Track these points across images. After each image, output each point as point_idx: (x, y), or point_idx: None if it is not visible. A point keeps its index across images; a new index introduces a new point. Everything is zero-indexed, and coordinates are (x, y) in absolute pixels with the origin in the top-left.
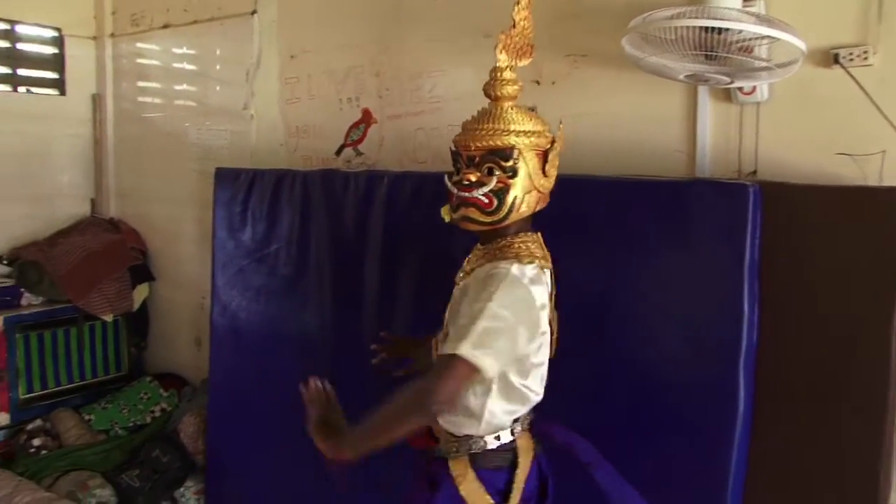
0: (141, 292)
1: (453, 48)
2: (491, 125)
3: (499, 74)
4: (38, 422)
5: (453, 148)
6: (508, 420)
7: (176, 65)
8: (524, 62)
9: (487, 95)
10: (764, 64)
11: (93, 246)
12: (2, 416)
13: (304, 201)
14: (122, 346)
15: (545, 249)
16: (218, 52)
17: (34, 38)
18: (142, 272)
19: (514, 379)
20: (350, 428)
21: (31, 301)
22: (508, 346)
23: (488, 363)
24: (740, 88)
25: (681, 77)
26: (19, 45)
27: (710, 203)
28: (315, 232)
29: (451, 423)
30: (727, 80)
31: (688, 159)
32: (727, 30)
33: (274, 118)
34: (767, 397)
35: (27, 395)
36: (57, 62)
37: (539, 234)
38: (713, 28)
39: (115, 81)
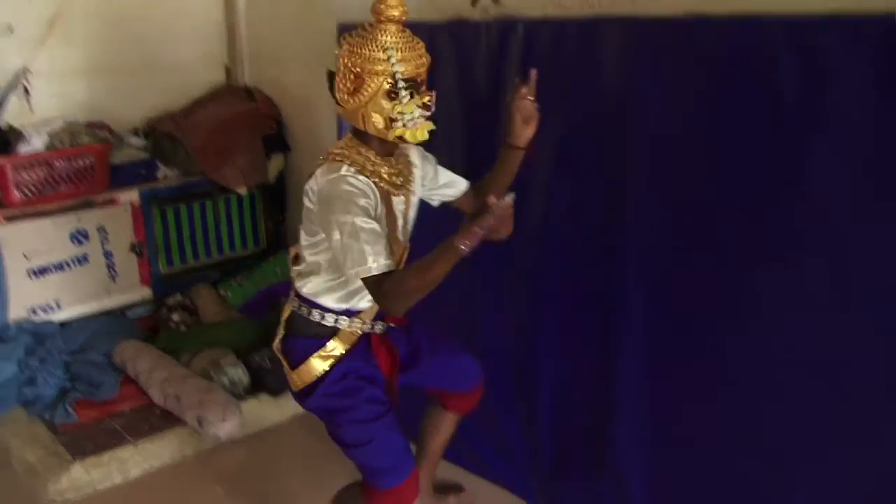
0: (276, 164)
1: None
2: (422, 49)
3: None
4: (178, 297)
5: (403, 76)
6: None
7: None
8: None
9: (393, 20)
10: None
11: (225, 116)
12: (144, 290)
13: (433, 59)
14: (260, 220)
15: None
16: None
17: None
18: (276, 142)
19: None
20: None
21: (166, 174)
22: None
23: None
24: None
25: None
26: None
27: None
28: (443, 92)
29: None
30: None
31: None
32: None
33: None
34: None
35: (168, 271)
36: None
37: None
38: None
39: None
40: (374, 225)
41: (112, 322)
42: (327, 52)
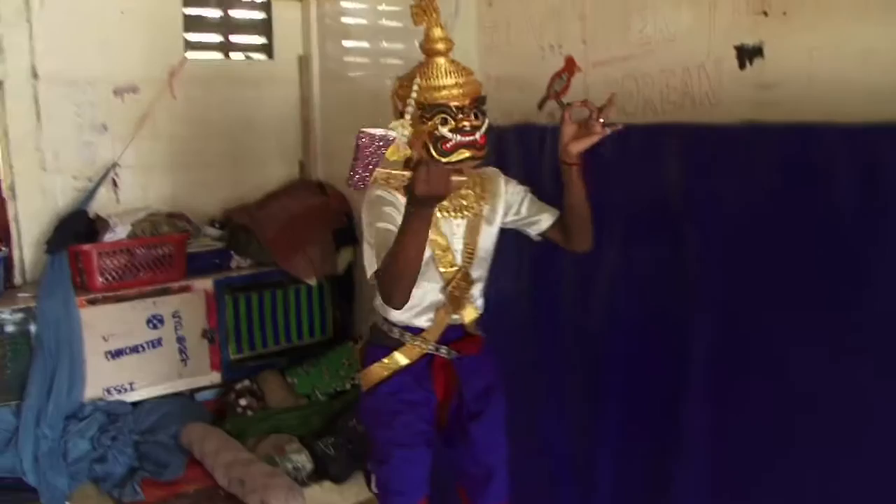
0: (345, 256)
1: None
2: (467, 77)
3: (438, 34)
4: (246, 382)
5: (428, 101)
6: None
7: (378, 22)
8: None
9: (432, 53)
10: None
11: (297, 209)
12: (214, 375)
13: (499, 160)
14: (328, 310)
15: None
16: None
17: (244, 3)
18: (347, 235)
19: None
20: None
21: (239, 263)
22: None
23: None
24: None
25: None
26: (231, 12)
27: None
28: None
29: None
30: None
31: None
32: None
33: (473, 70)
34: None
35: (237, 356)
36: (265, 27)
37: None
38: None
39: (320, 42)
40: (389, 226)
41: (181, 404)
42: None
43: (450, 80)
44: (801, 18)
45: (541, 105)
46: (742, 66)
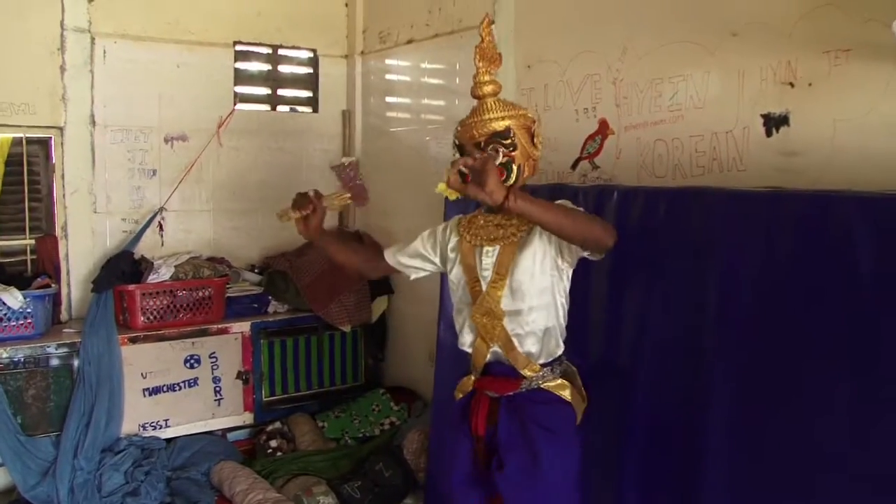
0: (379, 305)
1: (697, 50)
2: (487, 115)
3: (480, 79)
4: (277, 424)
5: (457, 142)
6: None
7: (421, 79)
8: (497, 68)
9: (475, 96)
10: None
11: None
12: (246, 416)
13: None
14: (360, 356)
15: None
16: (458, 65)
17: (292, 59)
18: (381, 285)
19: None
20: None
21: (276, 309)
22: None
23: None
24: None
25: None
26: (279, 67)
27: None
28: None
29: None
30: None
31: None
32: None
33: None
34: None
35: (269, 398)
36: (311, 81)
37: None
38: None
39: (363, 97)
40: (418, 238)
41: (213, 443)
42: (433, 206)
43: (468, 120)
44: (826, 90)
45: (574, 165)
46: (769, 133)
